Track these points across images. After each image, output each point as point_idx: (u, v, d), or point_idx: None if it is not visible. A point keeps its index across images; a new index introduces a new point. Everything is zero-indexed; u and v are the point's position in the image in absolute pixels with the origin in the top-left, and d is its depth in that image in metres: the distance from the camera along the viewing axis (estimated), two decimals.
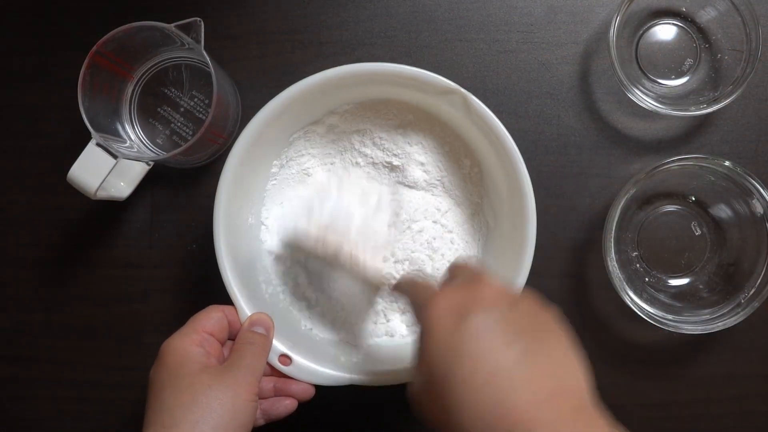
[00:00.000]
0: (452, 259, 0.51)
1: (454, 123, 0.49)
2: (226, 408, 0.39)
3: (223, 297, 0.46)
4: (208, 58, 0.46)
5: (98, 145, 0.45)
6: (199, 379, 0.40)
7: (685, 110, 0.50)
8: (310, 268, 0.50)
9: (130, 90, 0.53)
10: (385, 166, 0.51)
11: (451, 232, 0.51)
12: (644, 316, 0.49)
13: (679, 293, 0.53)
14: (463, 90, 0.45)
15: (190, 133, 0.53)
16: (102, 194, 0.48)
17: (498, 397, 0.30)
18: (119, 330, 0.54)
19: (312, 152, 0.51)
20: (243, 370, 0.41)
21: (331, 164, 0.51)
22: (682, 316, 0.50)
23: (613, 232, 0.49)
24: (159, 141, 0.53)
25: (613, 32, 0.50)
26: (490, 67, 0.54)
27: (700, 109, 0.50)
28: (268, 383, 0.45)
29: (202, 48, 0.46)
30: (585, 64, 0.54)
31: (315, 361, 0.46)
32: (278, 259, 0.50)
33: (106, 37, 0.45)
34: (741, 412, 0.53)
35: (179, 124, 0.53)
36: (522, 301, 0.35)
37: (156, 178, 0.53)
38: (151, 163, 0.50)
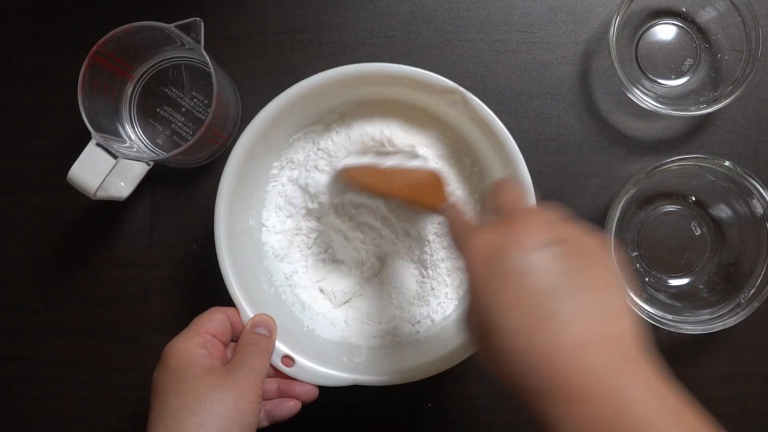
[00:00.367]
0: (449, 257, 0.51)
1: (454, 122, 0.49)
2: (229, 410, 0.39)
3: (223, 297, 0.46)
4: (207, 58, 0.46)
5: (98, 145, 0.45)
6: (203, 382, 0.39)
7: (685, 110, 0.50)
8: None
9: (129, 90, 0.53)
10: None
11: None
12: (644, 316, 0.49)
13: (679, 293, 0.53)
14: (462, 89, 0.45)
15: (191, 133, 0.53)
16: (102, 194, 0.48)
17: (537, 342, 0.30)
18: (119, 330, 0.54)
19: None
20: (246, 372, 0.41)
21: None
22: (682, 316, 0.50)
23: (613, 232, 0.49)
24: (159, 141, 0.53)
25: (613, 32, 0.50)
26: (490, 67, 0.54)
27: (700, 109, 0.50)
28: (272, 384, 0.45)
29: (202, 48, 0.46)
30: (585, 64, 0.54)
31: (318, 362, 0.46)
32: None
33: (106, 37, 0.45)
34: (741, 412, 0.53)
35: (179, 124, 0.53)
36: (565, 234, 0.33)
37: (156, 178, 0.53)
38: (151, 163, 0.50)
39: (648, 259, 0.53)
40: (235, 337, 0.45)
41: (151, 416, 0.40)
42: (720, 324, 0.48)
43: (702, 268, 0.53)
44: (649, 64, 0.53)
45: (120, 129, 0.52)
